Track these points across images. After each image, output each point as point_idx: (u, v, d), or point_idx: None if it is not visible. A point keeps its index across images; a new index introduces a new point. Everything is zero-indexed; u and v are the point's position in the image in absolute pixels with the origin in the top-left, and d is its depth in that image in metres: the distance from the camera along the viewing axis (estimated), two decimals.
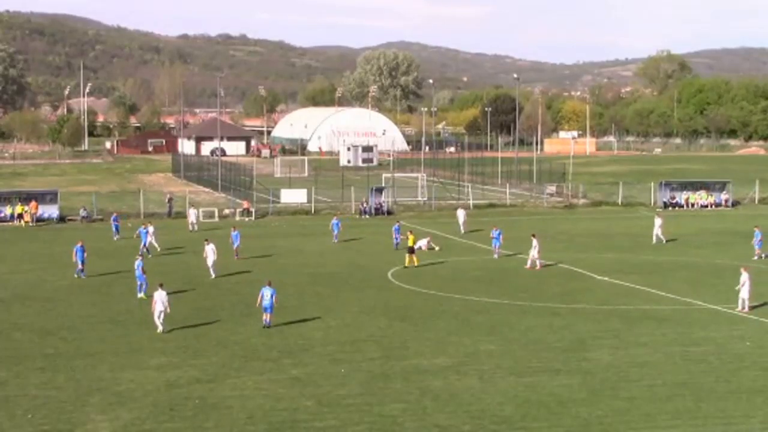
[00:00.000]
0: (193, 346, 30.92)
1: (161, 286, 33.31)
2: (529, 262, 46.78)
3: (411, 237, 47.99)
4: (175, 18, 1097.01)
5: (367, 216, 72.05)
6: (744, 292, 36.10)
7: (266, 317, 33.33)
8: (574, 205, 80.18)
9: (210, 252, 44.17)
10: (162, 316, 32.75)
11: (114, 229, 58.22)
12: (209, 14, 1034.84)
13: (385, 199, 75.55)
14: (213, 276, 43.80)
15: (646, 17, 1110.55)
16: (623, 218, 70.45)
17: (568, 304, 37.99)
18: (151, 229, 52.51)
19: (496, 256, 49.88)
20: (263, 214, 72.66)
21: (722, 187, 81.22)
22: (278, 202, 76.58)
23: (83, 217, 67.84)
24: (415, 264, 46.90)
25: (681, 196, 79.16)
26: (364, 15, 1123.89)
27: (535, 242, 46.49)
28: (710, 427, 23.28)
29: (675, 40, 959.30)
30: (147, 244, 51.34)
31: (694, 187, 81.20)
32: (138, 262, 39.68)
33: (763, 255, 49.73)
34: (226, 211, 72.61)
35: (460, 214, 63.07)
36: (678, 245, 55.93)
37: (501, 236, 50.28)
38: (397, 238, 53.22)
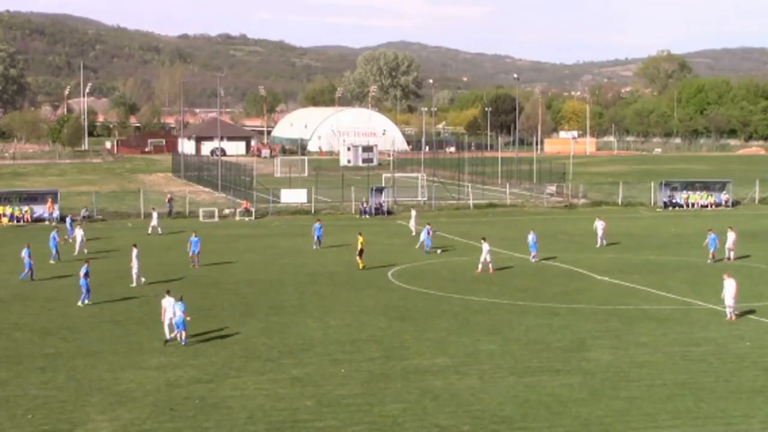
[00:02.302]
0: (193, 346, 30.89)
1: (168, 292, 32.09)
2: (480, 266, 45.62)
3: (361, 239, 47.21)
4: (175, 18, 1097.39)
5: (367, 216, 72.10)
6: (728, 299, 35.15)
7: (181, 335, 30.74)
8: (574, 205, 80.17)
9: (134, 258, 41.65)
10: (168, 323, 31.29)
11: (69, 230, 56.70)
12: (209, 14, 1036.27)
13: (385, 199, 75.59)
14: (134, 284, 41.30)
15: (646, 17, 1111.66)
16: (623, 218, 70.38)
17: (568, 304, 37.99)
18: (81, 232, 51.75)
19: (534, 260, 48.56)
20: (263, 214, 72.66)
21: (722, 187, 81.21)
22: (278, 202, 76.58)
23: (84, 217, 67.84)
24: (360, 267, 46.30)
25: (681, 196, 79.20)
26: (364, 15, 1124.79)
27: (485, 246, 45.61)
28: (710, 427, 23.27)
29: (675, 40, 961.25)
30: (57, 247, 49.10)
31: (694, 187, 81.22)
32: (83, 268, 37.89)
33: (712, 260, 48.61)
34: (226, 211, 72.58)
35: (413, 214, 61.96)
36: (678, 245, 55.93)
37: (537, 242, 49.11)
38: (428, 241, 52.69)
